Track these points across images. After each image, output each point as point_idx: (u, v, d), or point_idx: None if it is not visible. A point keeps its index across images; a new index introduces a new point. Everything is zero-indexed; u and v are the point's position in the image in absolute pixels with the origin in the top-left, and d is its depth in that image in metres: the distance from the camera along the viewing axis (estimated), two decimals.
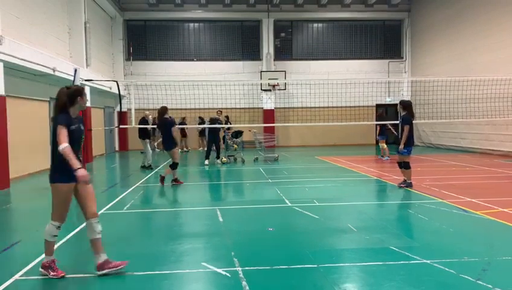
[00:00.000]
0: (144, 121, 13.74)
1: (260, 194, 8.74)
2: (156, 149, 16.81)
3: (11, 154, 10.08)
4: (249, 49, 22.76)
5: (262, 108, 21.91)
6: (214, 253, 4.81)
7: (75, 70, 9.97)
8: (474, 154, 16.11)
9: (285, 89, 21.72)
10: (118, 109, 18.85)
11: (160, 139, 11.57)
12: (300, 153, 18.46)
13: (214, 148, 14.59)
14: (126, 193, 8.89)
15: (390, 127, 14.95)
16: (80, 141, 4.19)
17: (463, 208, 6.81)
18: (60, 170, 4.00)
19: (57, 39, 14.06)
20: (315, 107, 19.35)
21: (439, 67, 19.55)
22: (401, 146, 8.63)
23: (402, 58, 23.29)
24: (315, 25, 23.27)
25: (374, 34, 23.43)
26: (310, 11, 22.43)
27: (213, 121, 14.47)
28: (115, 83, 14.26)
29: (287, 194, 8.26)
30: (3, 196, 8.77)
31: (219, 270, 4.22)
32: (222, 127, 15.27)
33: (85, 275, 4.20)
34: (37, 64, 11.16)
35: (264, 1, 21.75)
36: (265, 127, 20.29)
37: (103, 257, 4.13)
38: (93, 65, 16.90)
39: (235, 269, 4.25)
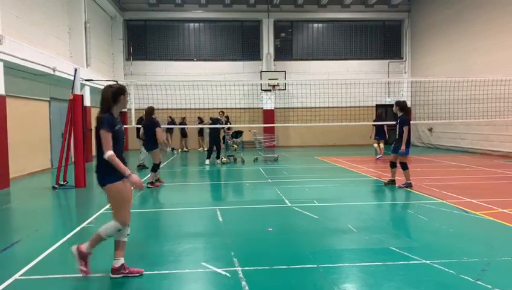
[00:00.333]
0: (141, 120, 13.69)
1: (260, 194, 8.74)
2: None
3: (11, 154, 10.08)
4: (249, 49, 22.77)
5: (262, 108, 21.91)
6: (214, 253, 4.81)
7: (75, 70, 9.96)
8: (474, 155, 16.12)
9: (285, 89, 21.72)
10: None
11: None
12: (300, 153, 18.46)
13: (215, 148, 14.59)
14: None
15: (385, 129, 15.01)
16: (123, 140, 4.14)
17: (463, 208, 6.82)
18: (109, 171, 3.91)
19: (57, 39, 14.07)
20: (315, 108, 19.36)
21: (439, 67, 19.56)
22: (403, 147, 8.65)
23: (402, 58, 23.29)
24: (315, 25, 23.27)
25: (374, 35, 23.43)
26: (310, 11, 22.44)
27: (214, 121, 14.47)
28: (115, 83, 14.23)
29: (286, 194, 8.27)
30: (3, 196, 8.77)
31: (219, 270, 4.22)
32: (222, 128, 15.26)
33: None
34: (37, 64, 11.17)
35: (264, 1, 21.75)
36: (265, 127, 20.29)
37: (121, 261, 4.07)
38: (93, 65, 16.90)
39: (234, 269, 4.25)
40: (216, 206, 7.44)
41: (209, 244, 5.18)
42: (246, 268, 4.26)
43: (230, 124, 16.70)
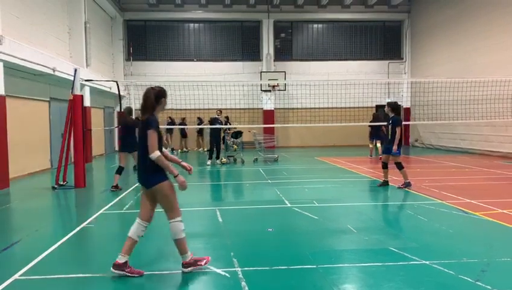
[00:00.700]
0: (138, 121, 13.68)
1: (260, 195, 8.74)
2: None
3: (10, 154, 10.08)
4: (249, 50, 22.78)
5: (262, 109, 21.92)
6: (213, 253, 4.80)
7: (75, 71, 9.96)
8: (474, 156, 16.12)
9: (285, 90, 21.73)
10: (117, 109, 18.83)
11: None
12: (300, 153, 18.47)
13: (215, 148, 14.59)
14: (125, 193, 8.89)
15: (383, 128, 15.00)
16: (162, 141, 4.20)
17: (462, 209, 6.82)
18: (156, 171, 4.00)
19: (57, 39, 14.07)
20: (315, 108, 19.37)
21: (439, 68, 19.57)
22: (395, 147, 8.68)
23: (402, 59, 23.31)
24: (315, 25, 23.28)
25: (374, 35, 23.45)
26: (310, 11, 22.45)
27: (213, 121, 14.47)
28: (115, 83, 14.26)
29: (286, 195, 8.27)
30: (3, 196, 8.77)
31: (218, 271, 4.22)
32: (222, 128, 15.26)
33: (85, 274, 4.21)
34: (37, 64, 11.17)
35: (264, 2, 21.77)
36: (265, 127, 20.28)
37: (125, 259, 4.08)
38: (93, 65, 16.91)
39: (234, 269, 4.26)
40: (216, 206, 7.45)
41: (209, 244, 5.19)
42: (246, 268, 4.26)
43: (230, 124, 16.71)
